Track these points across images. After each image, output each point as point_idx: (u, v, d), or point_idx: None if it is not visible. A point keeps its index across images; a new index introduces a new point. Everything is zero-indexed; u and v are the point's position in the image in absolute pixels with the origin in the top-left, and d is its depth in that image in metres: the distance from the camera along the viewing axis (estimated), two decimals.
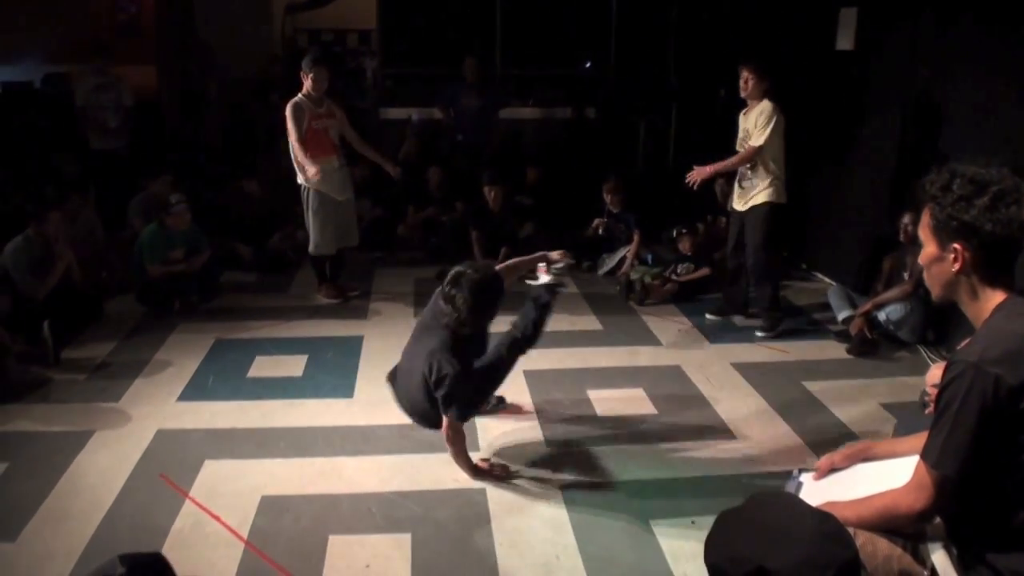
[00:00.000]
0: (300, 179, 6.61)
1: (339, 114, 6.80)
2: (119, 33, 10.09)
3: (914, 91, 6.29)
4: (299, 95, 6.58)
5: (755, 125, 5.89)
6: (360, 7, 10.57)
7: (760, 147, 5.86)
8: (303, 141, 6.43)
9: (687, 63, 9.27)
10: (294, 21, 10.51)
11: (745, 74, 5.93)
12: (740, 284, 6.51)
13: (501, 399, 4.89)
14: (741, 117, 6.12)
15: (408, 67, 10.86)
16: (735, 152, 6.08)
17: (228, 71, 10.10)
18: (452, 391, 3.88)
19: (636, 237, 7.66)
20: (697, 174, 6.01)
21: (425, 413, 4.12)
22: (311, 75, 6.54)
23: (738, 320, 6.50)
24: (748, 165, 6.00)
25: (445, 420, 3.98)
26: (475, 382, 4.03)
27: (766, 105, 5.87)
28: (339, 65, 9.80)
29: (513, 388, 5.17)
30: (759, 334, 6.16)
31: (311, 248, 6.86)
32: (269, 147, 8.89)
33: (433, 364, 3.89)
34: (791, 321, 6.43)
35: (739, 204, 6.19)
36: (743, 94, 6.01)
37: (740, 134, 6.10)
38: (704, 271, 7.17)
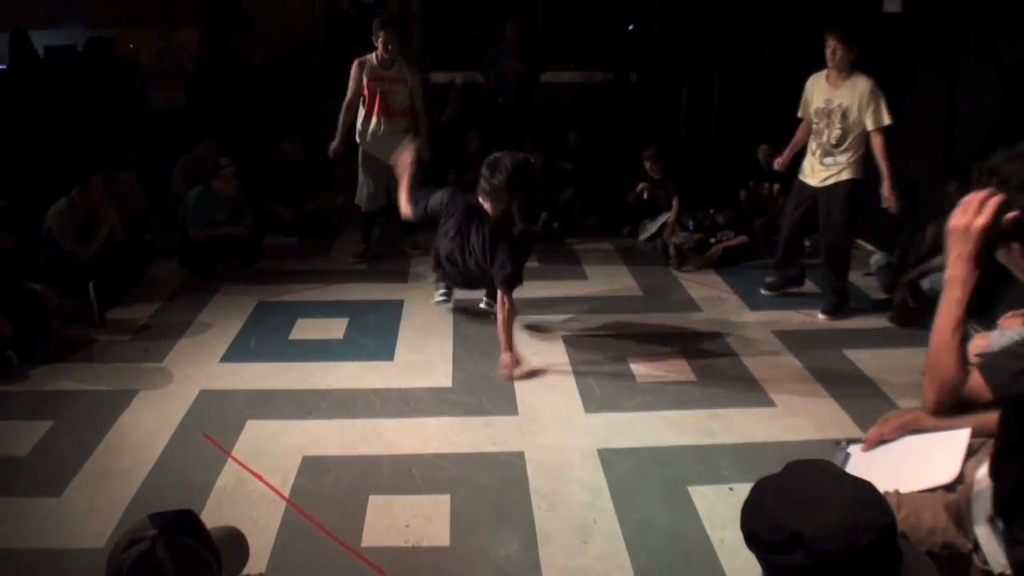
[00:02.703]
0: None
1: (413, 80, 6.81)
2: None
3: (964, 55, 6.14)
4: (372, 53, 6.68)
5: (863, 103, 5.44)
6: None
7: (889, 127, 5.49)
8: (356, 100, 6.60)
9: (731, 27, 9.13)
10: None
11: (832, 43, 5.47)
12: (799, 261, 6.22)
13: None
14: (824, 85, 5.65)
15: (450, 30, 10.79)
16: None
17: (269, 35, 10.10)
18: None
19: (675, 204, 7.60)
20: (891, 198, 5.55)
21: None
22: (380, 37, 6.60)
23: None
24: (835, 140, 5.59)
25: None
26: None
27: (867, 81, 5.45)
28: None
29: (552, 351, 5.19)
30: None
31: (357, 201, 7.09)
32: (309, 111, 8.90)
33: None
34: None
35: (815, 179, 5.74)
36: (830, 64, 5.55)
37: (821, 104, 5.62)
38: (742, 238, 7.11)
